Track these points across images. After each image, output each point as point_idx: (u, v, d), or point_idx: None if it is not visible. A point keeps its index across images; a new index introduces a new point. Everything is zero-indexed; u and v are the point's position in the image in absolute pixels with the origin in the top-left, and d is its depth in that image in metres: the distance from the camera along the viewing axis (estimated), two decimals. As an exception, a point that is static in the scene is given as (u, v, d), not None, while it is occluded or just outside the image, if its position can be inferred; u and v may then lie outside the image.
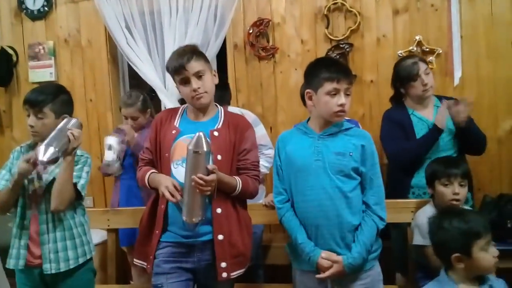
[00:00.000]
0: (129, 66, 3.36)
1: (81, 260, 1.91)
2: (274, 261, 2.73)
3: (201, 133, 1.67)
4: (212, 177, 1.67)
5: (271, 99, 3.14)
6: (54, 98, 1.88)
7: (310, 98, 1.79)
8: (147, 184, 1.86)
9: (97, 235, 2.56)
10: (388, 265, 1.94)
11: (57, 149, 1.72)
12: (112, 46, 3.36)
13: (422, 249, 1.95)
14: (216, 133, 1.82)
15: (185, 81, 1.81)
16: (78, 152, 1.91)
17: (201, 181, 1.64)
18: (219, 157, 1.79)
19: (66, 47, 3.42)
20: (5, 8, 3.49)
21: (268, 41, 3.13)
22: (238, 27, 3.16)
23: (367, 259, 1.75)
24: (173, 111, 1.95)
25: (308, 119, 1.86)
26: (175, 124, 1.87)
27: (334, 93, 1.71)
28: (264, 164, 2.54)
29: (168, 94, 3.16)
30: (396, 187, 2.34)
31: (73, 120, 1.86)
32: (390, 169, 2.48)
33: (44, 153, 1.70)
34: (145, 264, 1.85)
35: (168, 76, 3.10)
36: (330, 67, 1.74)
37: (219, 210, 1.77)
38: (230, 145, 1.83)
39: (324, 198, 1.71)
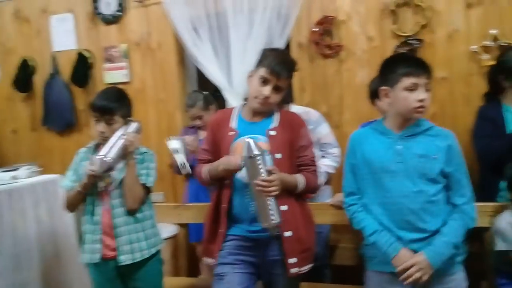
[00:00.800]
0: (196, 66, 3.49)
1: (153, 251, 2.02)
2: (341, 261, 2.72)
3: (247, 139, 1.70)
4: (273, 177, 1.70)
5: (336, 97, 3.12)
6: (121, 104, 2.00)
7: (386, 96, 1.74)
8: (206, 177, 1.90)
9: (168, 229, 2.69)
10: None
11: (111, 159, 1.86)
12: (180, 48, 3.48)
13: (506, 254, 1.86)
14: (272, 133, 1.83)
15: (264, 81, 1.82)
16: (142, 149, 2.02)
17: (263, 183, 1.67)
18: (278, 155, 1.81)
19: (137, 50, 3.59)
20: (81, 13, 3.71)
21: (332, 39, 3.10)
22: (302, 25, 3.16)
23: (454, 261, 1.69)
24: (228, 112, 1.97)
25: (383, 119, 1.83)
26: (232, 125, 1.89)
27: (413, 88, 1.66)
28: (332, 164, 2.52)
29: (234, 93, 3.23)
30: (485, 188, 2.22)
31: (134, 125, 1.98)
32: (479, 169, 2.35)
33: (99, 164, 1.85)
34: (213, 260, 1.90)
35: (234, 75, 3.19)
36: (408, 62, 1.71)
37: (284, 207, 1.79)
38: (287, 143, 1.84)
39: (405, 202, 1.67)
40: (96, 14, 3.64)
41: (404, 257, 1.65)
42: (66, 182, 2.04)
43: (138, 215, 1.99)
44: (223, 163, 1.80)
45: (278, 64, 1.81)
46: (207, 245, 1.94)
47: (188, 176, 2.84)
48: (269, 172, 1.70)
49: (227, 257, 1.84)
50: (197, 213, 2.43)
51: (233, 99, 3.22)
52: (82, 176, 1.96)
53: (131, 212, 1.97)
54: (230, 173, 1.81)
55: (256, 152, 1.67)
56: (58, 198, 2.63)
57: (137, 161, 2.00)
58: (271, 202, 1.69)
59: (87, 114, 3.77)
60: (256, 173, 1.68)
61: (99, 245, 1.96)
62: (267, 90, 1.81)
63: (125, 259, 1.94)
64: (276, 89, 1.83)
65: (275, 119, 1.89)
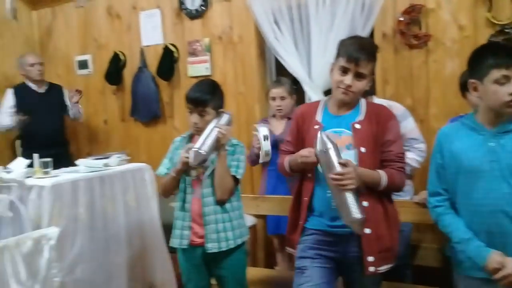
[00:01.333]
0: (275, 60, 3.50)
1: (238, 241, 2.07)
2: (423, 262, 2.61)
3: (319, 133, 1.68)
4: (346, 169, 1.64)
5: (422, 90, 2.97)
6: (214, 96, 2.05)
7: (475, 89, 1.64)
8: (287, 169, 1.91)
9: (246, 220, 2.73)
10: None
11: (205, 152, 1.90)
12: (260, 41, 3.51)
13: None
14: (357, 126, 1.78)
15: (344, 71, 1.78)
16: (234, 141, 2.07)
17: (337, 177, 1.63)
18: (362, 149, 1.76)
19: (219, 44, 3.67)
20: (168, 9, 3.87)
21: (420, 29, 2.95)
22: (387, 15, 3.04)
23: None
24: (314, 105, 1.96)
25: (474, 112, 1.71)
26: (317, 118, 1.87)
27: (504, 81, 1.54)
28: (416, 158, 2.42)
29: (313, 86, 3.20)
30: None
31: (226, 117, 2.01)
32: None
33: (194, 157, 1.91)
34: (294, 251, 1.92)
35: (314, 67, 3.16)
36: (498, 52, 1.59)
37: (365, 204, 1.74)
38: (372, 137, 1.78)
39: (499, 204, 1.57)
40: (181, 10, 3.77)
41: (497, 262, 1.54)
42: (161, 169, 2.14)
43: (227, 206, 2.05)
44: (302, 157, 1.79)
45: (355, 50, 1.75)
46: (289, 235, 1.95)
47: (267, 167, 2.86)
48: (343, 165, 1.66)
49: (307, 251, 1.84)
50: (275, 205, 2.44)
51: (312, 92, 3.20)
52: (177, 163, 2.05)
53: (220, 202, 2.03)
54: (309, 166, 1.80)
55: (328, 145, 1.65)
56: (145, 185, 2.77)
57: (228, 153, 2.05)
58: (349, 197, 1.64)
59: (171, 106, 3.94)
60: (330, 167, 1.66)
61: (187, 232, 2.04)
62: (348, 79, 1.76)
63: (211, 247, 2.01)
64: (358, 76, 1.77)
65: (362, 112, 1.84)
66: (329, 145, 1.65)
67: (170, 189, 2.11)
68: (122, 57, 4.07)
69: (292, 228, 1.92)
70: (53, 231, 2.07)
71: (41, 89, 3.87)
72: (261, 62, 3.61)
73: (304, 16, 3.21)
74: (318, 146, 1.67)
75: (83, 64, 4.35)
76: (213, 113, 2.04)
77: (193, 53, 3.75)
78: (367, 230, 1.74)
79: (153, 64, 3.92)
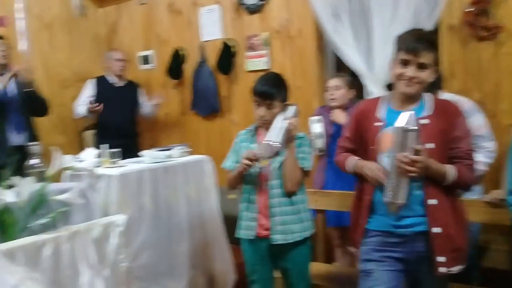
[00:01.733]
0: (333, 53, 3.46)
1: (304, 235, 2.06)
2: (492, 264, 2.48)
3: (412, 112, 1.62)
4: (419, 158, 1.60)
5: (492, 84, 2.82)
6: (280, 88, 2.06)
7: None
8: (349, 170, 1.89)
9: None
10: None
11: (277, 144, 1.90)
12: (319, 35, 3.47)
13: None
14: (424, 121, 1.71)
15: (404, 63, 1.73)
16: (300, 134, 2.07)
17: (407, 160, 1.59)
18: (429, 145, 1.69)
19: (278, 38, 3.67)
20: (227, 4, 3.91)
21: (490, 19, 2.80)
22: (454, 5, 2.90)
23: None
24: (374, 101, 1.90)
25: None
26: (378, 115, 1.82)
27: None
28: (484, 161, 2.29)
29: (374, 79, 3.13)
30: None
31: (293, 108, 2.00)
32: None
33: (266, 149, 1.90)
34: (355, 250, 1.90)
35: (375, 61, 3.08)
36: None
37: (433, 201, 1.69)
38: (440, 133, 1.71)
39: None
40: (240, 4, 3.80)
41: None
42: (227, 163, 2.17)
43: (294, 198, 2.05)
44: (369, 170, 1.76)
45: (413, 41, 1.71)
46: (350, 234, 1.93)
47: (325, 159, 2.84)
48: (417, 152, 1.61)
49: (371, 253, 1.81)
50: (335, 200, 2.41)
51: (372, 86, 3.13)
52: (240, 164, 2.07)
53: (287, 194, 2.04)
54: (372, 182, 1.76)
55: (413, 127, 1.60)
56: (205, 177, 2.83)
57: (295, 145, 2.05)
58: (404, 182, 1.63)
59: (229, 101, 3.99)
60: (403, 148, 1.61)
61: (254, 223, 2.06)
62: (410, 70, 1.71)
63: (277, 238, 2.02)
64: (419, 67, 1.71)
65: (427, 107, 1.77)
66: (414, 127, 1.60)
67: (235, 183, 2.14)
68: (182, 52, 4.18)
69: (354, 227, 1.90)
70: (121, 218, 2.15)
71: (119, 83, 4.09)
72: (319, 56, 3.57)
73: (365, 8, 3.15)
74: (402, 122, 1.61)
75: (145, 59, 4.51)
76: (279, 106, 2.04)
77: (251, 48, 3.78)
78: (437, 229, 1.69)
79: (212, 59, 3.99)
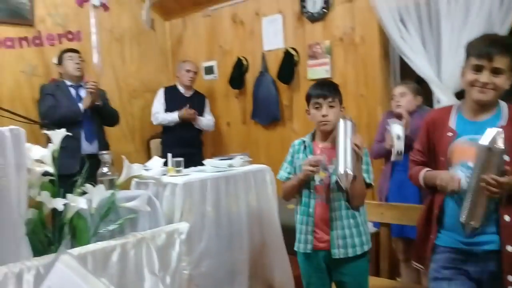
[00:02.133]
0: (400, 60, 3.35)
1: (365, 248, 2.01)
2: None
3: (499, 129, 1.53)
4: (505, 179, 1.51)
5: None
6: (336, 90, 2.07)
7: None
8: (421, 183, 1.81)
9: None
10: None
11: (353, 172, 1.83)
12: (384, 41, 3.38)
13: None
14: None
15: (477, 69, 1.64)
16: None
17: (493, 182, 1.50)
18: (506, 157, 1.58)
19: (340, 45, 3.62)
20: (289, 13, 3.92)
21: None
22: (531, 9, 2.71)
23: None
24: (445, 110, 1.81)
25: None
26: (450, 125, 1.73)
27: None
28: None
29: (443, 87, 2.99)
30: None
31: (350, 125, 1.92)
32: None
33: (345, 180, 1.83)
34: (422, 267, 1.82)
35: (444, 67, 2.95)
36: None
37: (507, 218, 1.58)
38: None
39: None
40: (302, 13, 3.79)
41: None
42: (282, 174, 2.15)
43: (355, 211, 2.01)
44: (442, 180, 1.67)
45: (486, 45, 1.63)
46: (417, 250, 1.86)
47: (391, 165, 2.74)
48: (502, 174, 1.52)
49: (441, 271, 1.72)
50: (401, 213, 2.32)
51: (441, 94, 3.00)
52: (297, 168, 2.06)
53: (349, 208, 1.98)
54: (445, 192, 1.68)
55: (501, 146, 1.51)
56: (265, 186, 2.84)
57: None
58: (485, 203, 1.55)
59: (290, 110, 3.98)
60: (488, 168, 1.53)
61: (311, 237, 2.02)
62: (483, 76, 1.62)
63: (337, 253, 1.97)
64: (494, 72, 1.61)
65: (503, 117, 1.66)
66: (502, 146, 1.52)
67: (290, 194, 2.11)
68: (244, 62, 4.23)
69: (421, 242, 1.82)
70: (184, 226, 2.20)
71: (187, 94, 4.21)
72: (384, 63, 3.47)
73: (434, 13, 3.04)
74: (487, 140, 1.53)
75: (209, 70, 4.62)
76: (339, 107, 2.03)
77: (313, 56, 3.75)
78: (510, 248, 1.58)
79: (273, 68, 4.01)
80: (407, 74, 3.25)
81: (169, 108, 4.10)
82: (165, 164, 2.58)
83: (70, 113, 3.28)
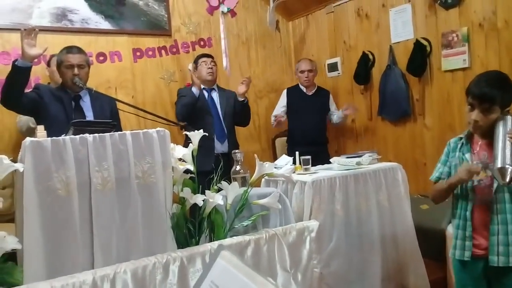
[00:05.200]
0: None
1: None
2: None
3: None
4: None
5: None
6: (504, 92, 1.78)
7: None
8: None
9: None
10: None
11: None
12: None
13: None
14: None
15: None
16: None
17: None
18: None
19: (480, 32, 3.28)
20: (420, 2, 3.68)
21: None
22: None
23: None
24: None
25: None
26: None
27: None
28: None
29: None
30: None
31: (510, 118, 1.74)
32: None
33: (505, 176, 1.68)
34: None
35: None
36: None
37: None
38: None
39: None
40: (435, 1, 3.53)
41: None
42: (435, 174, 2.00)
43: None
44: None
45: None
46: None
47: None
48: None
49: None
50: None
51: None
52: (452, 167, 1.91)
53: (510, 210, 1.77)
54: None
55: None
56: (397, 185, 2.71)
57: None
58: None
59: (422, 104, 3.74)
60: None
61: (469, 242, 1.85)
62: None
63: (496, 260, 1.78)
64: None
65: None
66: None
67: (440, 198, 1.97)
68: (370, 56, 4.09)
69: None
70: (314, 224, 2.20)
71: (310, 92, 4.22)
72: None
73: None
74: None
75: (333, 67, 4.55)
76: (498, 112, 1.78)
77: (448, 45, 3.46)
78: None
79: (402, 60, 3.80)
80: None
81: (293, 108, 4.14)
82: (293, 162, 2.62)
83: (188, 98, 3.46)
